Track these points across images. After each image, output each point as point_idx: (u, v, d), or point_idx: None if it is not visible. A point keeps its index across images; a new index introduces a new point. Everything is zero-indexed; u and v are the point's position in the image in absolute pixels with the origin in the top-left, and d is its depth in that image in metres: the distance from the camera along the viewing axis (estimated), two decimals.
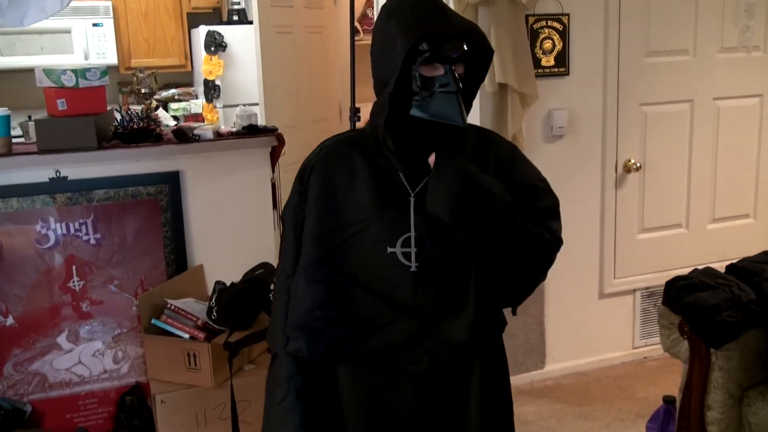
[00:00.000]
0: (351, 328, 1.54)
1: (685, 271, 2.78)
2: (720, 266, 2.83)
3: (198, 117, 5.66)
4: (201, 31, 5.51)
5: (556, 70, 3.32)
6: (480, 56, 1.54)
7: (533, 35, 3.24)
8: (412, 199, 1.53)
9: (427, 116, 1.47)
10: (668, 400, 2.88)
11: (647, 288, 3.71)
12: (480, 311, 1.56)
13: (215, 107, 5.61)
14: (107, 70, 3.00)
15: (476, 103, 3.24)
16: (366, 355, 1.56)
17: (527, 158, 1.71)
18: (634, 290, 3.70)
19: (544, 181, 1.69)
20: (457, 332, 1.54)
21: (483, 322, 1.57)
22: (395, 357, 1.55)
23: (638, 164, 3.53)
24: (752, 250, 2.99)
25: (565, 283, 3.51)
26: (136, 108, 3.38)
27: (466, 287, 1.54)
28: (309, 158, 1.64)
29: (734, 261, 2.84)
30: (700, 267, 2.77)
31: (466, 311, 1.54)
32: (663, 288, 2.72)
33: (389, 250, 1.52)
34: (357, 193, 1.55)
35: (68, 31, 5.52)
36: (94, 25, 5.58)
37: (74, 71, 2.85)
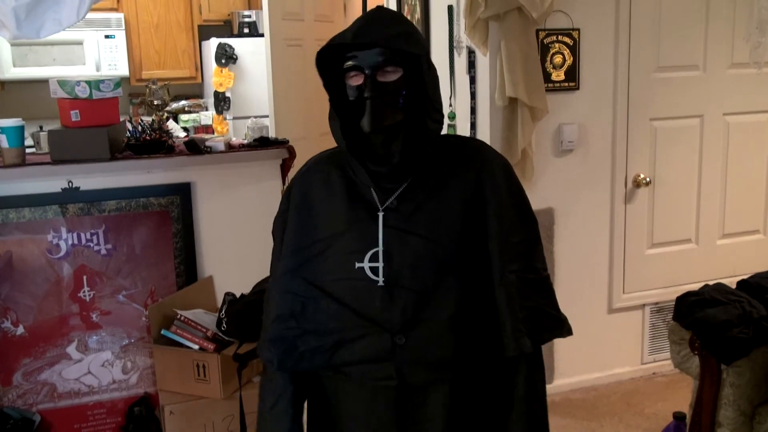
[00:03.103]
0: (323, 340, 1.55)
1: (695, 286, 2.77)
2: (729, 282, 2.82)
3: (208, 129, 5.69)
4: (212, 44, 5.55)
5: (566, 84, 3.33)
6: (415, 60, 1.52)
7: (544, 50, 3.25)
8: (380, 214, 1.53)
9: (363, 125, 1.49)
10: (678, 417, 2.87)
11: (656, 303, 3.70)
12: (453, 331, 1.52)
13: (225, 119, 5.64)
14: (120, 82, 3.03)
15: (486, 117, 3.27)
16: (338, 368, 1.57)
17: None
18: (644, 305, 3.69)
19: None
20: (424, 350, 1.53)
21: (455, 343, 1.53)
22: (365, 371, 1.55)
23: (648, 179, 3.53)
24: (762, 266, 2.99)
25: (574, 298, 3.50)
26: (147, 119, 3.40)
27: (442, 306, 1.52)
28: (295, 175, 1.69)
29: (744, 277, 2.83)
30: (710, 283, 2.77)
31: (437, 329, 1.52)
32: (672, 303, 2.72)
33: (357, 265, 1.52)
34: (332, 208, 1.58)
35: (80, 43, 5.58)
36: (106, 36, 5.64)
37: (88, 83, 2.87)
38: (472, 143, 1.68)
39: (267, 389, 1.67)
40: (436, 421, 1.58)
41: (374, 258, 1.52)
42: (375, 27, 1.50)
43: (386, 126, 1.47)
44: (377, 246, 1.52)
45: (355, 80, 1.50)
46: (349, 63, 1.49)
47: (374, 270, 1.52)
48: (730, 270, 3.67)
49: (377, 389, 1.57)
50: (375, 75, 1.48)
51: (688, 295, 2.65)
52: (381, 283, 1.51)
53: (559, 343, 3.53)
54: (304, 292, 1.56)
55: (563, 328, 1.63)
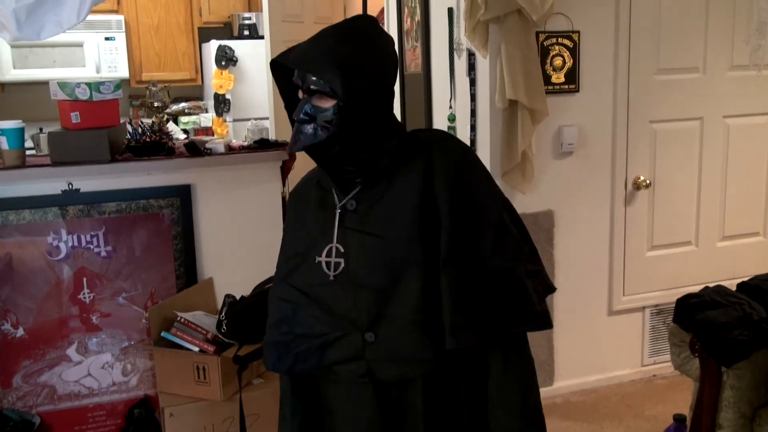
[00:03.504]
0: (312, 342, 1.60)
1: (695, 288, 2.77)
2: (729, 284, 2.82)
3: (207, 131, 5.70)
4: (212, 46, 5.56)
5: (566, 86, 3.33)
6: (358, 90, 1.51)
7: (544, 52, 3.25)
8: (337, 212, 1.59)
9: None
10: (678, 419, 2.87)
11: (656, 305, 3.70)
12: (418, 326, 1.53)
13: (225, 121, 5.65)
14: (120, 84, 3.03)
15: (486, 119, 3.27)
16: (327, 369, 1.62)
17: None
18: (644, 307, 3.69)
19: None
20: (392, 346, 1.56)
21: (421, 338, 1.54)
22: (347, 371, 1.60)
23: (648, 181, 3.53)
24: (762, 268, 2.98)
25: (574, 300, 3.50)
26: (148, 121, 3.40)
27: (404, 302, 1.54)
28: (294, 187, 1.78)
29: (744, 279, 2.83)
30: (710, 285, 2.76)
31: (402, 325, 1.55)
32: (672, 305, 2.72)
33: (317, 259, 1.60)
34: (310, 218, 1.65)
35: (80, 45, 5.58)
36: (107, 38, 5.64)
37: (88, 85, 2.88)
38: (431, 135, 1.65)
39: (281, 393, 1.76)
40: (416, 416, 1.60)
41: (330, 253, 1.59)
42: (314, 53, 1.50)
43: (309, 147, 1.52)
44: (332, 242, 1.58)
45: (301, 94, 1.54)
46: (296, 78, 1.53)
47: (328, 264, 1.59)
48: (730, 272, 3.68)
49: (360, 388, 1.61)
50: (311, 98, 1.50)
51: (689, 297, 2.64)
52: (331, 278, 1.57)
53: (559, 345, 3.53)
54: (294, 298, 1.63)
55: (539, 321, 1.57)
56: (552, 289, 1.68)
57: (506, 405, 1.57)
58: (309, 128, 1.51)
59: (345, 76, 1.46)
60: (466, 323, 1.51)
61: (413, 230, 1.54)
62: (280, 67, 1.55)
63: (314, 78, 1.47)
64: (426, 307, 1.53)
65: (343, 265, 1.56)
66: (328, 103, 1.49)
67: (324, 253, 1.58)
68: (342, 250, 1.57)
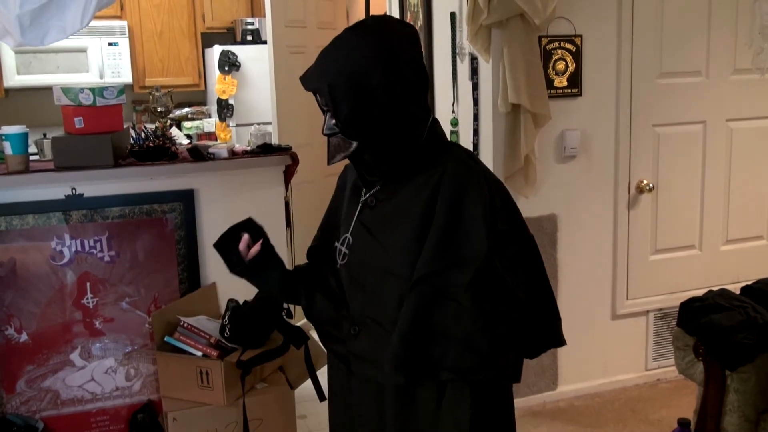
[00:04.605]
0: (329, 327, 1.71)
1: (699, 292, 2.77)
2: (733, 288, 2.82)
3: (211, 136, 5.70)
4: (215, 51, 5.57)
5: (569, 90, 3.33)
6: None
7: (546, 56, 3.25)
8: (359, 205, 1.66)
9: None
10: (683, 423, 2.85)
11: (660, 309, 3.69)
12: (403, 341, 1.52)
13: (228, 126, 5.65)
14: (123, 89, 3.03)
15: (489, 123, 3.27)
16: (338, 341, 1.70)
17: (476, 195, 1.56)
18: (647, 311, 3.68)
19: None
20: (371, 350, 1.59)
21: (403, 355, 1.52)
22: (333, 348, 1.71)
23: (651, 185, 3.53)
24: (766, 272, 2.98)
25: (578, 304, 3.49)
26: (151, 126, 3.41)
27: (385, 309, 1.57)
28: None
29: (748, 282, 2.83)
30: (714, 288, 2.76)
31: (382, 333, 1.57)
32: (676, 309, 2.71)
33: (335, 243, 1.69)
34: (346, 201, 1.74)
35: (84, 50, 5.60)
36: (110, 44, 5.66)
37: (92, 90, 2.88)
38: (451, 156, 1.60)
39: None
40: (387, 420, 1.63)
41: (344, 242, 1.67)
42: (314, 70, 1.55)
43: (343, 157, 1.58)
44: (348, 232, 1.67)
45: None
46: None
47: (340, 253, 1.68)
48: (734, 276, 3.67)
49: (349, 373, 1.68)
50: (329, 113, 1.55)
51: (693, 300, 2.64)
52: (338, 265, 1.67)
53: (563, 349, 3.51)
54: (320, 267, 1.75)
55: (475, 369, 1.51)
56: (526, 348, 1.65)
57: None
58: (336, 141, 1.57)
59: (333, 92, 1.48)
60: (408, 355, 1.51)
61: (408, 241, 1.54)
62: None
63: (316, 95, 1.56)
64: (420, 319, 1.53)
65: (347, 257, 1.64)
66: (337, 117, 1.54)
67: (341, 241, 1.67)
68: (351, 242, 1.65)
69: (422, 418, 1.60)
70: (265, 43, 4.71)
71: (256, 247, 1.69)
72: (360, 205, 1.65)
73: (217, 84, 5.58)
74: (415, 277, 1.51)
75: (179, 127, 5.68)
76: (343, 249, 1.65)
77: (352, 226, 1.65)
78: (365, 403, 1.66)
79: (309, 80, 1.54)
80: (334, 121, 1.53)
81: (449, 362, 1.50)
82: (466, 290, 1.48)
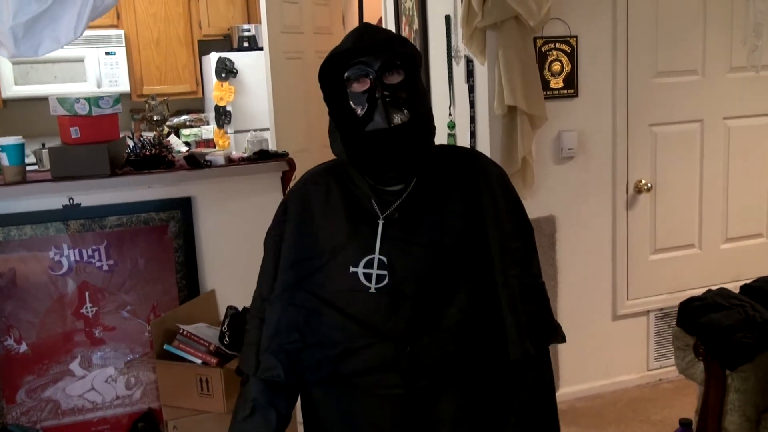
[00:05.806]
0: (328, 351, 1.55)
1: (699, 291, 2.76)
2: (734, 286, 2.81)
3: (209, 143, 5.71)
4: (212, 58, 5.58)
5: (565, 91, 3.33)
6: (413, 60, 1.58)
7: (542, 57, 3.25)
8: (381, 222, 1.55)
9: (370, 128, 1.50)
10: (684, 423, 2.84)
11: (661, 309, 3.69)
12: (459, 338, 1.53)
13: (226, 133, 5.66)
14: (120, 98, 3.03)
15: (486, 125, 3.27)
16: (343, 379, 1.57)
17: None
18: (648, 311, 3.68)
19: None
20: (431, 357, 1.53)
21: (461, 350, 1.54)
22: (371, 381, 1.55)
23: (649, 185, 3.53)
24: (766, 270, 2.97)
25: (578, 305, 3.49)
26: (148, 135, 3.41)
27: (448, 314, 1.53)
28: (291, 188, 1.70)
29: (747, 281, 2.82)
30: (714, 287, 2.76)
31: (443, 336, 1.53)
32: (677, 309, 2.71)
33: (351, 269, 1.54)
34: (332, 220, 1.59)
35: (81, 60, 5.61)
36: (107, 53, 5.67)
37: (87, 99, 2.89)
38: (467, 152, 1.70)
39: (240, 401, 1.65)
40: (444, 428, 1.58)
41: (369, 265, 1.53)
42: (371, 34, 1.54)
43: (397, 125, 1.49)
44: (373, 253, 1.53)
45: (361, 86, 1.52)
46: (353, 70, 1.52)
47: (367, 276, 1.53)
48: (734, 274, 3.66)
49: (384, 398, 1.56)
50: (381, 77, 1.50)
51: (692, 300, 2.64)
52: (372, 290, 1.52)
53: (563, 350, 3.52)
54: (308, 304, 1.57)
55: (557, 335, 1.63)
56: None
57: (534, 416, 1.64)
58: (392, 102, 1.50)
59: (409, 43, 1.59)
60: (527, 334, 1.55)
61: (462, 242, 1.55)
62: (325, 75, 1.56)
63: (388, 56, 1.51)
64: (469, 320, 1.53)
65: (387, 278, 1.52)
66: (398, 77, 1.52)
67: (362, 264, 1.53)
68: (386, 262, 1.53)
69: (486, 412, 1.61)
70: (261, 49, 4.72)
71: None
72: (382, 222, 1.55)
73: (215, 91, 5.59)
74: (503, 270, 1.56)
75: (178, 135, 5.69)
76: (375, 272, 1.52)
77: (378, 245, 1.53)
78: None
79: (384, 48, 1.52)
80: (387, 84, 1.50)
81: (546, 331, 1.61)
82: (531, 268, 1.62)
